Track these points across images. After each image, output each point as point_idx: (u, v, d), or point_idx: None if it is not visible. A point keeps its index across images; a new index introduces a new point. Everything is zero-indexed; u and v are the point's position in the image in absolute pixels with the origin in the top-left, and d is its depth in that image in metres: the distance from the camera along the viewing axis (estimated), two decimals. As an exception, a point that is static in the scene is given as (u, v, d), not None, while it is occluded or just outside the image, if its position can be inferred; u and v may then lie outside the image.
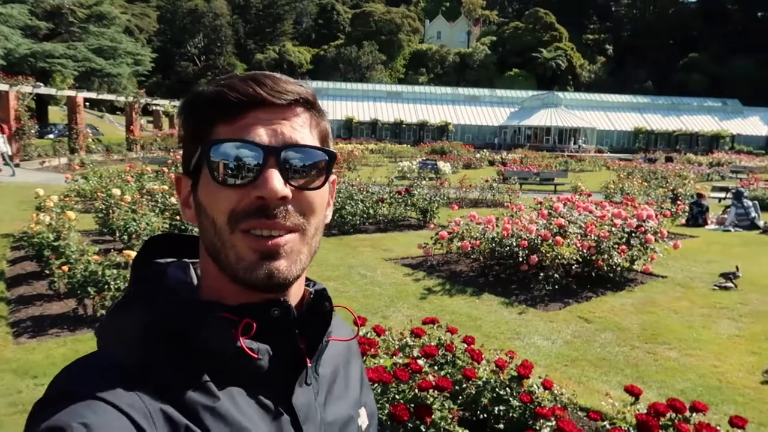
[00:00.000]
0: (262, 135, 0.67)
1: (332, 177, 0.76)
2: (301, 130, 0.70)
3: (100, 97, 32.46)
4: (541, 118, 51.24)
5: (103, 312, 5.41)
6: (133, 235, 7.37)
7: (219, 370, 0.65)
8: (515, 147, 44.94)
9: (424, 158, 28.23)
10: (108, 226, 8.50)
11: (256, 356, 0.67)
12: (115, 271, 5.43)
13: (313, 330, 0.74)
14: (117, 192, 8.84)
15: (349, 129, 52.57)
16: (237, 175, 0.66)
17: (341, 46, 76.04)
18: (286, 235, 0.67)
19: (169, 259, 0.76)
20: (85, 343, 4.96)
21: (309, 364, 0.73)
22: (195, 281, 0.74)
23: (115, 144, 30.13)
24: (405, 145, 42.38)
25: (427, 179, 16.99)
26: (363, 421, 0.81)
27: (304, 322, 0.73)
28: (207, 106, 0.69)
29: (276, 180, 0.66)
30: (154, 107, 37.07)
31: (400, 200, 12.02)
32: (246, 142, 0.66)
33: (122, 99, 31.93)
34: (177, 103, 35.30)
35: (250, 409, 0.66)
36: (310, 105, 0.72)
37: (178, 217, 8.35)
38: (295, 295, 0.74)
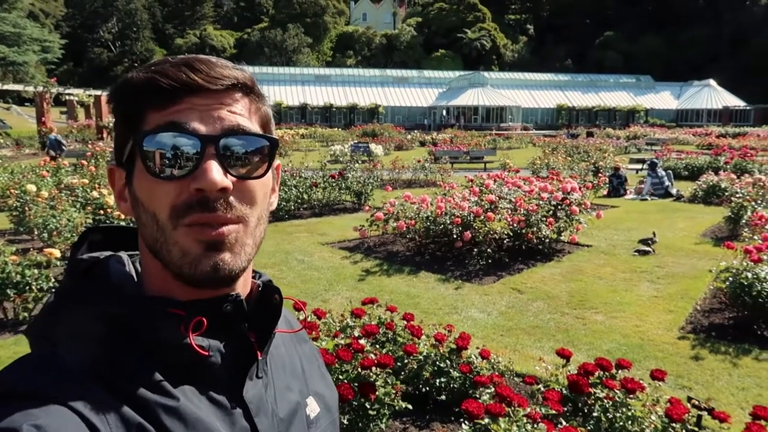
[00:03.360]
0: (197, 123, 0.63)
1: (276, 162, 0.74)
2: (240, 116, 0.66)
3: (5, 87, 30.22)
4: (469, 98, 52.23)
5: (26, 315, 5.11)
6: (54, 233, 6.98)
7: (170, 367, 0.63)
8: (445, 127, 45.64)
9: (356, 141, 28.19)
10: (24, 224, 8.01)
11: (207, 354, 0.65)
12: (36, 271, 5.13)
13: (262, 322, 0.73)
14: (32, 188, 8.31)
15: (277, 114, 51.61)
16: (174, 166, 0.62)
17: (265, 29, 74.27)
18: (229, 225, 0.64)
19: (106, 252, 0.72)
20: (7, 348, 4.68)
21: (260, 357, 0.71)
22: (134, 275, 0.71)
23: (26, 137, 28.28)
24: (336, 129, 42.15)
25: (359, 162, 16.99)
26: (312, 410, 0.80)
27: (253, 314, 0.72)
28: (137, 93, 0.64)
29: (215, 171, 0.62)
30: (67, 97, 34.93)
31: (334, 184, 11.98)
32: (181, 130, 0.62)
33: (30, 89, 29.88)
34: (92, 92, 33.41)
35: (203, 405, 0.64)
36: (248, 89, 0.69)
37: (101, 212, 7.97)
38: (243, 287, 0.72)
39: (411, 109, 55.98)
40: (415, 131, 39.15)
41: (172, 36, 79.62)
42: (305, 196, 11.31)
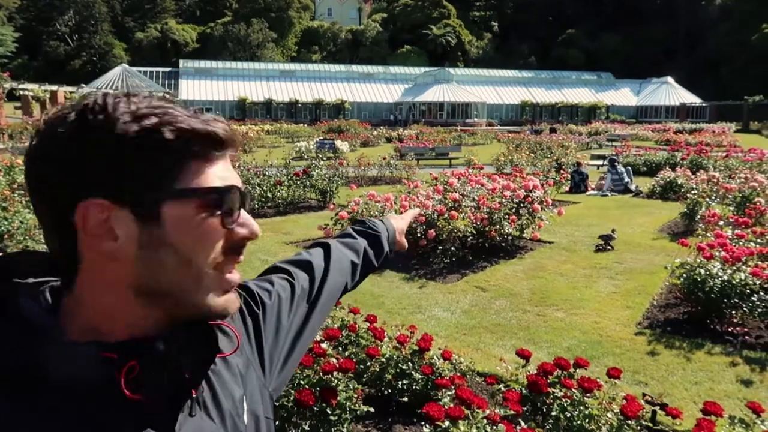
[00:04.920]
0: (234, 176, 0.70)
1: None
2: None
3: (-45, 82, 29.01)
4: (435, 94, 52.50)
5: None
6: (5, 236, 6.73)
7: (96, 412, 0.61)
8: (411, 123, 45.77)
9: (322, 138, 28.02)
10: (-26, 226, 7.70)
11: (137, 397, 0.62)
12: (-15, 277, 4.94)
13: (197, 358, 0.69)
14: (-18, 188, 8.00)
15: (242, 110, 50.95)
16: (228, 216, 0.68)
17: (229, 24, 72.96)
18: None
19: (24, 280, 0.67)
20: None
21: (194, 395, 0.69)
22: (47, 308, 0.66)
23: (-22, 134, 27.15)
24: (301, 125, 41.71)
25: (325, 159, 16.90)
26: (246, 418, 0.78)
27: (186, 349, 0.68)
28: (192, 141, 0.65)
29: (253, 220, 0.71)
30: (21, 92, 33.72)
31: (299, 182, 11.89)
32: (233, 183, 0.69)
33: (-18, 84, 28.78)
34: (48, 87, 32.36)
35: None
36: None
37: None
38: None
39: (377, 105, 55.93)
40: (382, 127, 39.13)
41: (132, 29, 77.54)
42: (269, 195, 11.21)
